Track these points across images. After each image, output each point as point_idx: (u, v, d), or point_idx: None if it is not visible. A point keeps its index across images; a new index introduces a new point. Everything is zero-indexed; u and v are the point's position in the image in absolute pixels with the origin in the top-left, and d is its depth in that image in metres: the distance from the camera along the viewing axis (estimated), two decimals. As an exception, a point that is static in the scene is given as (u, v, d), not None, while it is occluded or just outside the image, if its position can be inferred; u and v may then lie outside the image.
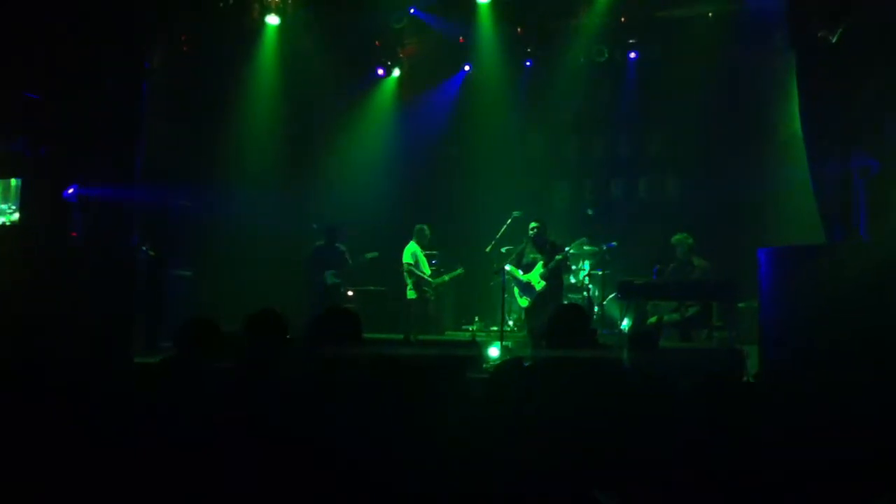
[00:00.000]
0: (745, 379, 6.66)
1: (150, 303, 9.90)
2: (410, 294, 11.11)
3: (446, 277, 11.24)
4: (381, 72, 13.02)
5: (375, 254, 11.26)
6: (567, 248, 9.97)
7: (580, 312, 4.13)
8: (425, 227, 11.28)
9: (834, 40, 7.40)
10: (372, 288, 11.97)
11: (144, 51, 10.37)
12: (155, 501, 3.10)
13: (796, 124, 8.87)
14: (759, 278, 7.72)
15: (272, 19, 12.07)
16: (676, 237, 9.58)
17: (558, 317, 3.90)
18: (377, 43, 12.84)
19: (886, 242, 7.17)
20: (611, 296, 10.48)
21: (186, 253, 11.28)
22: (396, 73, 13.16)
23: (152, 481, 3.13)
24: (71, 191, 9.74)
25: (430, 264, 11.33)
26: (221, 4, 11.50)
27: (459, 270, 11.27)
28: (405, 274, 11.05)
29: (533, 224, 9.97)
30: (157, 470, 3.16)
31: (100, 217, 9.81)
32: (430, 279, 11.15)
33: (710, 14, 11.20)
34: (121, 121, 9.99)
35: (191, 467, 3.13)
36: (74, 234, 9.85)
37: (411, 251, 11.12)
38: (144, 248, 10.01)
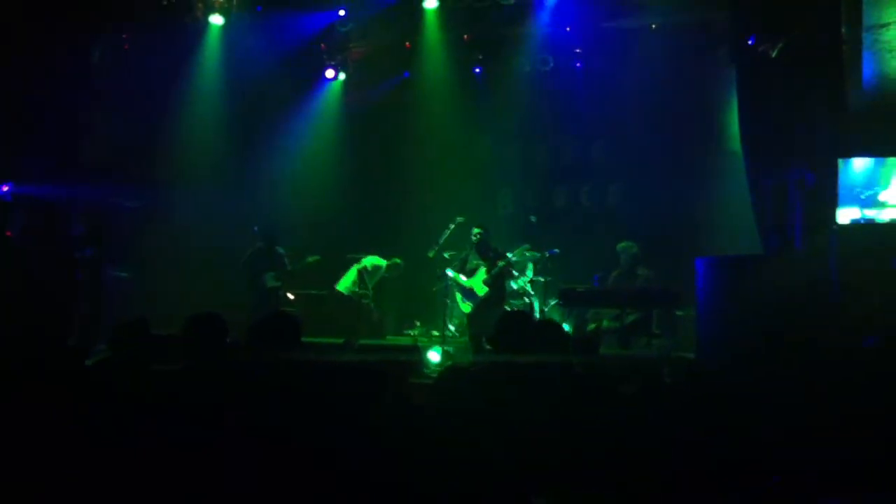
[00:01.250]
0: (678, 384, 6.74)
1: (87, 305, 9.69)
2: (343, 287, 11.06)
3: (309, 260, 11.12)
4: (331, 73, 12.90)
5: (317, 257, 11.16)
6: (510, 255, 10.02)
7: (526, 318, 4.16)
8: (401, 265, 11.38)
9: (774, 55, 7.57)
10: (314, 291, 11.87)
11: (87, 48, 10.17)
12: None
13: (736, 136, 9.05)
14: (697, 287, 7.85)
15: (216, 19, 11.93)
16: (621, 245, 9.68)
17: (505, 322, 3.91)
18: (322, 45, 12.75)
19: (819, 254, 7.34)
20: (552, 302, 10.55)
21: (125, 253, 11.07)
22: (342, 76, 13.10)
23: (79, 481, 3.06)
24: (6, 188, 9.49)
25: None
26: (164, 2, 11.34)
27: (316, 258, 11.18)
28: (360, 273, 11.03)
29: (476, 230, 9.99)
30: (82, 471, 3.09)
31: (36, 216, 9.58)
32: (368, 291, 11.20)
33: (653, 26, 11.36)
34: (61, 118, 9.78)
35: (119, 468, 3.07)
36: (10, 233, 9.60)
37: (376, 264, 11.15)
38: (87, 249, 9.78)
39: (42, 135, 9.66)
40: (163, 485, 3.01)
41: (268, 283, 10.82)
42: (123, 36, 11.47)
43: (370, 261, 11.18)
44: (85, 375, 4.03)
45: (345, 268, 11.36)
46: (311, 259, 11.18)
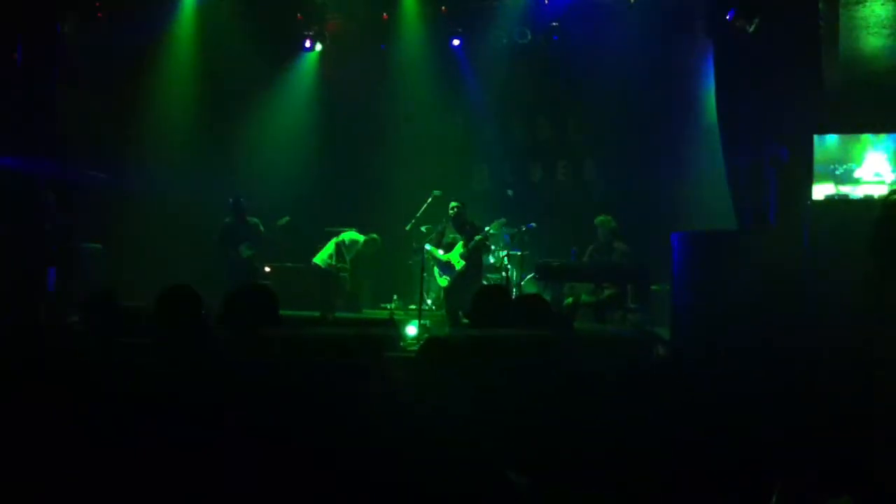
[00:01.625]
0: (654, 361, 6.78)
1: (58, 277, 9.59)
2: (320, 260, 11.02)
3: (279, 222, 11.10)
4: (308, 44, 12.72)
5: (287, 218, 11.07)
6: (487, 229, 10.02)
7: (503, 293, 4.15)
8: (378, 241, 11.24)
9: (751, 31, 7.57)
10: (289, 264, 11.82)
11: (57, 15, 9.98)
12: (48, 473, 3.01)
13: (712, 113, 9.07)
14: (672, 262, 7.89)
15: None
16: (599, 219, 9.69)
17: (482, 296, 3.91)
18: (299, 17, 12.60)
19: (793, 230, 7.39)
20: (529, 276, 10.57)
21: (97, 226, 10.96)
22: (318, 48, 12.94)
23: (49, 454, 3.04)
24: None
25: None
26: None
27: (286, 219, 11.16)
28: (337, 246, 10.96)
29: (453, 204, 9.99)
30: (52, 445, 3.07)
31: (5, 187, 9.44)
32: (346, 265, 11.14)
33: (632, 1, 11.31)
34: (29, 88, 9.60)
35: (82, 445, 3.05)
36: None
37: (354, 239, 11.09)
38: (57, 219, 9.66)
39: (10, 107, 9.49)
40: (131, 462, 2.98)
41: (242, 253, 10.73)
42: (96, 3, 11.28)
43: (348, 235, 11.13)
44: (51, 352, 4.00)
45: (322, 241, 11.29)
46: (280, 221, 11.10)
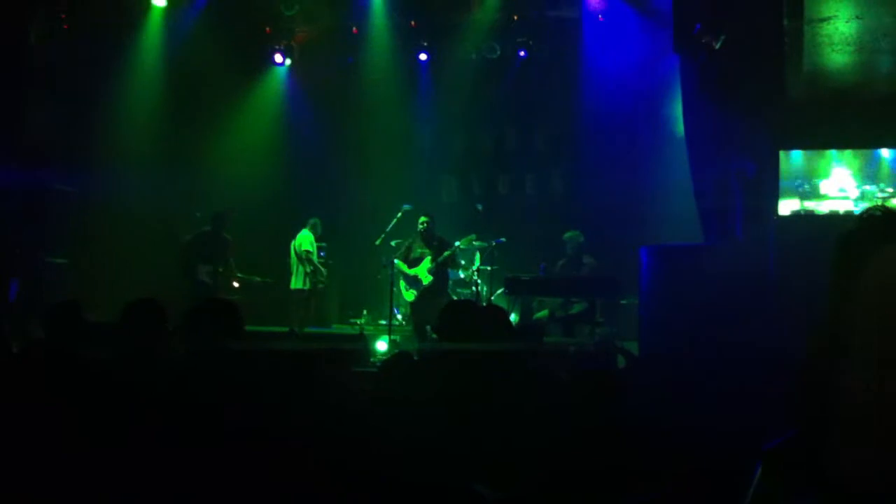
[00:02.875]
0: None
1: (21, 292, 9.44)
2: (297, 283, 10.92)
3: (256, 279, 11.08)
4: (279, 58, 12.66)
5: (269, 280, 11.09)
6: (456, 243, 10.01)
7: (471, 307, 4.14)
8: (318, 221, 11.12)
9: (717, 46, 7.65)
10: (258, 279, 11.73)
11: (22, 25, 9.87)
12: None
13: (679, 126, 9.14)
14: (640, 275, 7.93)
15: (159, 1, 11.68)
16: (568, 234, 9.73)
17: (449, 312, 3.89)
18: (267, 30, 12.56)
19: (759, 245, 7.46)
20: (499, 291, 10.57)
21: (62, 238, 10.82)
22: (288, 62, 12.90)
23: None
24: None
25: (319, 256, 11.20)
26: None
27: (268, 279, 11.18)
28: (303, 262, 10.85)
29: (422, 218, 10.00)
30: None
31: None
32: (324, 278, 11.06)
33: (600, 17, 11.41)
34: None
35: (39, 454, 3.00)
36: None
37: (309, 240, 10.94)
38: (21, 231, 9.52)
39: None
40: (111, 472, 2.94)
41: (199, 275, 10.49)
42: (62, 15, 11.18)
43: (300, 242, 10.99)
44: (11, 360, 3.93)
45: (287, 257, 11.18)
46: (258, 279, 11.03)
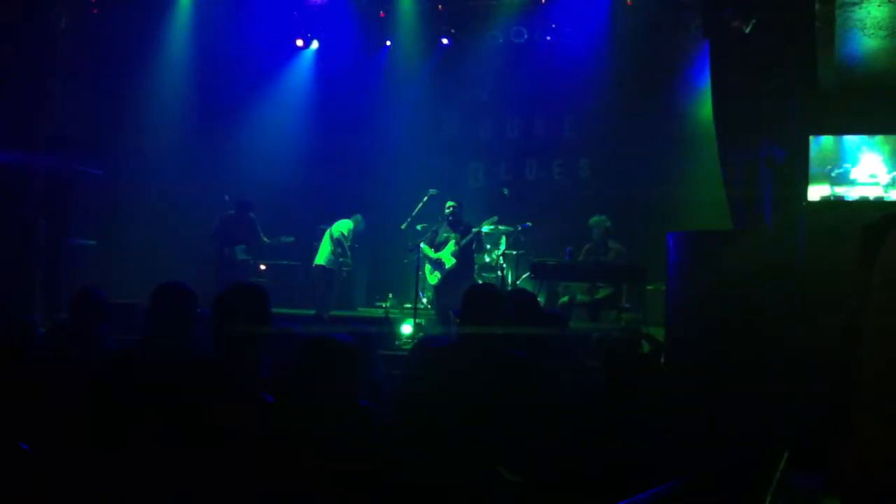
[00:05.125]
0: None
1: (47, 275, 9.55)
2: (320, 260, 10.97)
3: (284, 239, 11.13)
4: (300, 43, 12.71)
5: (292, 238, 11.11)
6: (481, 228, 10.02)
7: (492, 292, 4.13)
8: (362, 218, 11.26)
9: (747, 30, 7.56)
10: (284, 262, 11.81)
11: (51, 9, 9.94)
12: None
13: (708, 111, 9.05)
14: (667, 262, 7.88)
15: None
16: (594, 219, 9.68)
17: (470, 296, 3.89)
18: (295, 14, 12.58)
19: (788, 231, 7.38)
20: (524, 275, 10.56)
21: (92, 222, 10.92)
22: (315, 45, 12.93)
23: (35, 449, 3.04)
24: None
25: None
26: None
27: (291, 238, 11.23)
28: (335, 243, 10.90)
29: (450, 203, 10.01)
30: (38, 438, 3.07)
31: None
32: (348, 259, 11.13)
33: (629, 1, 11.32)
34: (23, 83, 9.55)
35: (75, 434, 3.05)
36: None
37: (349, 227, 11.03)
38: (46, 215, 9.62)
39: (3, 101, 9.43)
40: (132, 456, 2.98)
41: (237, 255, 10.70)
42: (92, 0, 11.27)
43: (340, 226, 11.07)
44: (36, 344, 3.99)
45: (318, 239, 11.26)
46: (286, 239, 11.10)
